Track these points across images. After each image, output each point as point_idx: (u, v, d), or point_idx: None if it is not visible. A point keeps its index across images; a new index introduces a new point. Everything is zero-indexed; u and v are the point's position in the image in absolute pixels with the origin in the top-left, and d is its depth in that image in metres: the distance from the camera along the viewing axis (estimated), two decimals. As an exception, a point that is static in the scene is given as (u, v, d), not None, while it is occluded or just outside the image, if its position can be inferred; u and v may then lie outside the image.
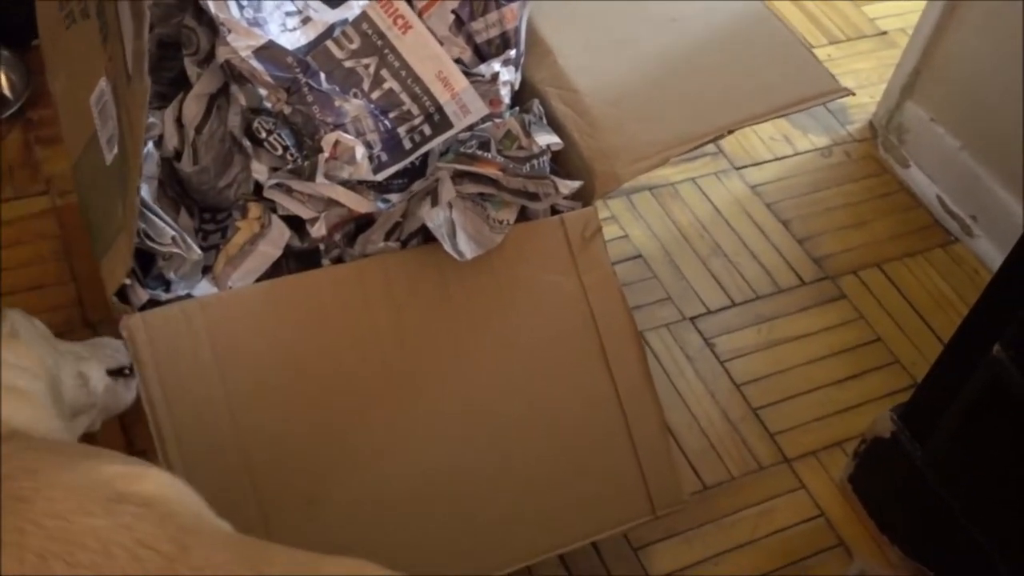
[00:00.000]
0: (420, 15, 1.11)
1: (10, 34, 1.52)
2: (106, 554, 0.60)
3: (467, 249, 1.00)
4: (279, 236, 1.05)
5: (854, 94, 1.19)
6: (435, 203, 1.01)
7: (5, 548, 0.58)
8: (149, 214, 0.97)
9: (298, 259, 1.08)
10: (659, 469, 1.09)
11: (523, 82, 1.16)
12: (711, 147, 1.65)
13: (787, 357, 1.42)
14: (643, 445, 1.08)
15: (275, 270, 1.06)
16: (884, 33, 1.91)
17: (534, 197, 1.05)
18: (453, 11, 1.13)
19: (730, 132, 1.15)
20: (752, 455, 1.31)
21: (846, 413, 1.38)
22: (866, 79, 1.81)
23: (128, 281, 0.96)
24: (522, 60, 1.15)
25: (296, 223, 1.07)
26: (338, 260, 1.06)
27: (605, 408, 1.08)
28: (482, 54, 1.14)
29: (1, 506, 0.60)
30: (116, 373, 0.99)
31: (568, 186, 1.04)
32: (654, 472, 1.08)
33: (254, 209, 1.07)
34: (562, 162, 1.12)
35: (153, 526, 0.63)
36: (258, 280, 1.04)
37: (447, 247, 0.99)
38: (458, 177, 1.02)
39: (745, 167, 1.66)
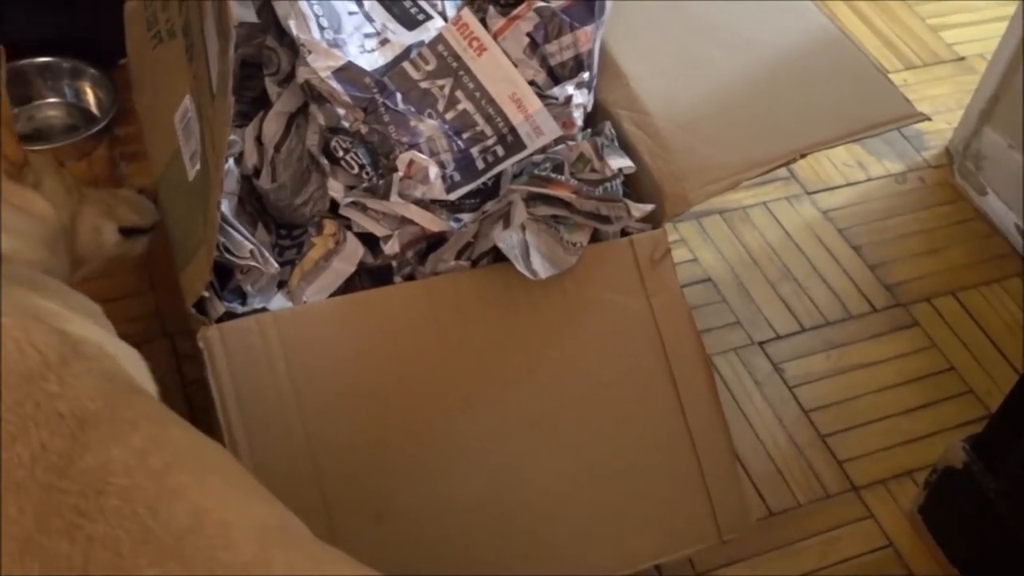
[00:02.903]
0: (495, 37, 1.13)
1: (98, 53, 1.57)
2: None
3: (541, 268, 1.00)
4: (353, 253, 1.07)
5: (929, 119, 1.18)
6: (507, 225, 1.02)
7: None
8: (229, 228, 1.00)
9: (370, 275, 1.10)
10: (726, 493, 1.08)
11: (595, 104, 1.17)
12: (783, 171, 1.64)
13: (857, 384, 1.41)
14: (710, 468, 1.08)
15: (348, 286, 1.08)
16: (962, 59, 1.89)
17: (606, 220, 1.05)
18: (528, 33, 1.14)
19: (802, 156, 1.14)
20: (819, 482, 1.30)
21: (917, 443, 1.36)
22: (943, 105, 1.79)
23: (207, 294, 0.99)
24: (595, 82, 1.16)
25: (369, 240, 1.09)
26: (409, 277, 1.08)
27: (672, 430, 1.08)
28: (556, 76, 1.15)
29: None
30: (130, 231, 1.08)
31: (640, 209, 1.05)
32: (720, 496, 1.08)
33: (329, 226, 1.09)
34: (632, 184, 1.12)
35: (50, 339, 0.71)
36: (331, 295, 1.06)
37: (520, 267, 1.00)
38: (531, 199, 1.04)
39: (817, 192, 1.65)
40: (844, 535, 1.26)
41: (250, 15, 1.01)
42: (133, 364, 0.81)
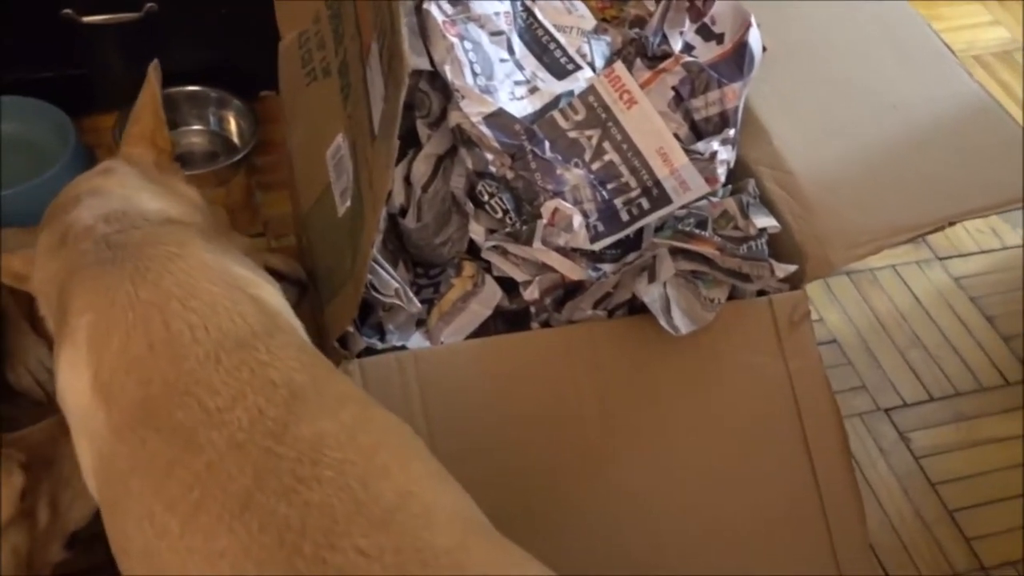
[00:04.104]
0: (641, 88, 1.13)
1: (242, 85, 1.62)
2: (212, 307, 0.78)
3: (682, 325, 1.00)
4: (491, 296, 1.08)
5: (1084, 194, 1.15)
6: (652, 279, 1.02)
7: (148, 276, 0.79)
8: (376, 266, 1.02)
9: (505, 319, 1.11)
10: (855, 561, 1.05)
11: (737, 160, 1.16)
12: (913, 234, 1.61)
13: (988, 459, 1.37)
14: (840, 536, 1.05)
15: (482, 329, 1.09)
16: (1105, 129, 1.83)
17: (746, 278, 1.05)
18: (673, 87, 1.15)
19: (950, 224, 1.12)
20: (946, 559, 1.26)
21: (1052, 525, 1.31)
22: (1083, 175, 1.74)
23: (350, 329, 1.01)
24: (738, 139, 1.16)
25: (505, 284, 1.10)
26: (545, 324, 1.08)
27: (803, 495, 1.06)
28: (698, 131, 1.15)
29: (156, 253, 0.82)
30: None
31: (784, 269, 1.04)
32: (849, 564, 1.05)
33: (468, 268, 1.10)
34: (772, 243, 1.11)
35: (252, 308, 0.80)
36: (467, 337, 1.07)
37: (662, 322, 1.00)
38: (673, 253, 1.03)
39: (949, 258, 1.61)
40: (970, 616, 1.22)
41: (424, 63, 1.03)
42: (304, 334, 0.86)
